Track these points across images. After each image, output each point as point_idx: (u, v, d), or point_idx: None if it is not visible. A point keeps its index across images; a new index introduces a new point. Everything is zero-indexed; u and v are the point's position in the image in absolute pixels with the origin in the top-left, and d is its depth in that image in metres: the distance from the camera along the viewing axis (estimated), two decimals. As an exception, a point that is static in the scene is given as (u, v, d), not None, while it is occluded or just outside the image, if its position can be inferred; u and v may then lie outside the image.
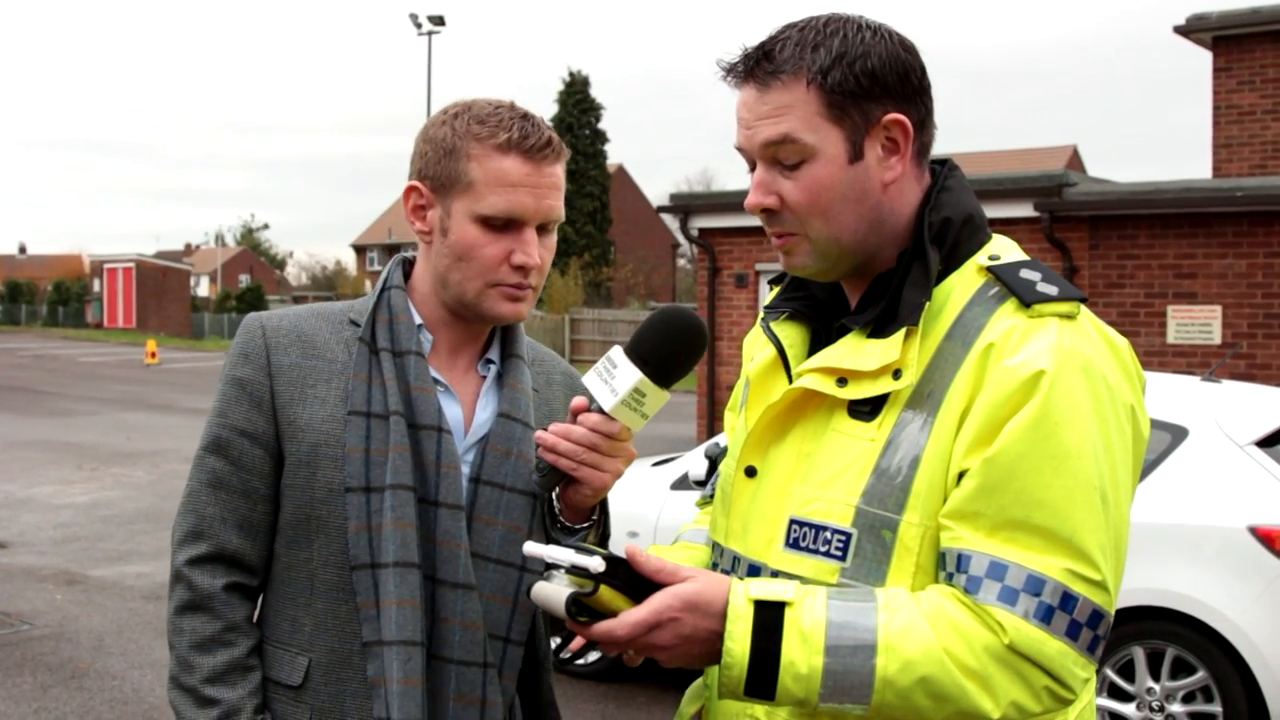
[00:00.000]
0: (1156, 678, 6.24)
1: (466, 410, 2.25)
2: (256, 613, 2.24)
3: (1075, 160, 61.85)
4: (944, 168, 2.01)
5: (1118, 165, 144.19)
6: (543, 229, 2.19)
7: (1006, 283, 1.87)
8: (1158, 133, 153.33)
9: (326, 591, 2.15)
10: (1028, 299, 1.84)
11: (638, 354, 1.99)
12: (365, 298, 2.30)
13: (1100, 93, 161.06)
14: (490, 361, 2.30)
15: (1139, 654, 6.24)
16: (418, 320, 2.24)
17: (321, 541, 2.15)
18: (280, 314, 2.28)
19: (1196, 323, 14.01)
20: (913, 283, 1.88)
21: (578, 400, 2.05)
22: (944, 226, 1.92)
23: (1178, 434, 6.36)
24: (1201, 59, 19.11)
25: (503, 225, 2.15)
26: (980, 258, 1.93)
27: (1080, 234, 14.61)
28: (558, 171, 2.19)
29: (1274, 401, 6.83)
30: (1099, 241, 14.54)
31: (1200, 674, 6.10)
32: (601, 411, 2.01)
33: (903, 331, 1.85)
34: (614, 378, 2.00)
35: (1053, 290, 1.85)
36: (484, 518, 2.18)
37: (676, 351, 2.00)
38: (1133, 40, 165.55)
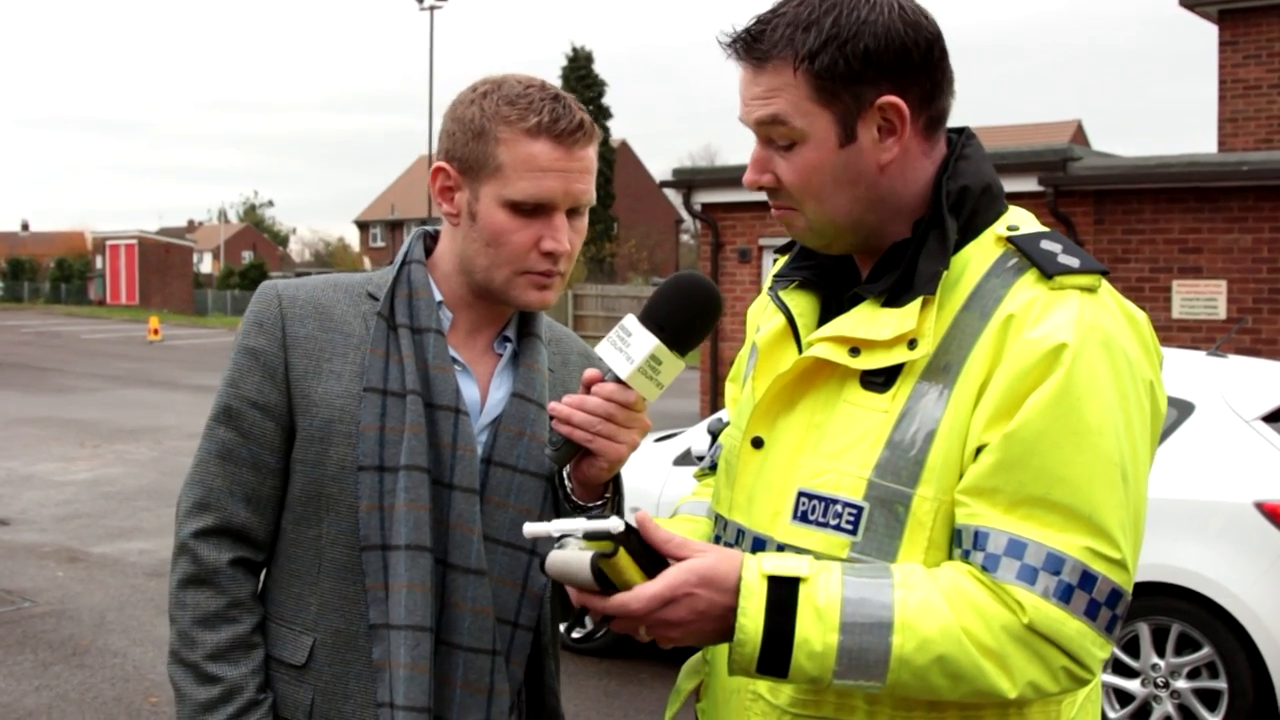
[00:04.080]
0: (1161, 654, 6.22)
1: (481, 390, 2.20)
2: (260, 589, 2.20)
3: (1080, 135, 61.63)
4: (961, 136, 1.96)
5: (1122, 140, 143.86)
6: (573, 212, 2.13)
7: (1028, 254, 1.83)
8: (1163, 107, 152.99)
9: (334, 571, 2.11)
10: (1049, 270, 1.80)
11: (653, 320, 1.95)
12: (384, 270, 2.24)
13: (1104, 67, 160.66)
14: (507, 339, 2.25)
15: (1144, 630, 6.21)
16: (438, 297, 2.19)
17: (331, 519, 2.11)
18: (298, 283, 2.22)
19: (1202, 297, 13.96)
20: (929, 252, 1.84)
21: (590, 371, 2.01)
22: (962, 195, 1.88)
23: (1184, 409, 6.32)
24: (1208, 33, 18.99)
25: (532, 210, 2.09)
26: (998, 228, 1.89)
27: (1085, 208, 14.54)
28: (589, 154, 2.13)
29: (1281, 376, 6.79)
30: (1104, 216, 14.47)
31: (1205, 650, 6.08)
32: (618, 380, 1.97)
33: (919, 301, 1.81)
34: (629, 345, 1.95)
35: (1074, 262, 1.81)
36: (495, 499, 2.14)
37: (692, 317, 1.97)
38: (1136, 14, 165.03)
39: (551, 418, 2.01)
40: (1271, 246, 13.62)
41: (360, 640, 2.10)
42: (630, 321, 1.96)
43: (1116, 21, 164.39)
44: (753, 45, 1.87)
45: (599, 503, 2.11)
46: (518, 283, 2.13)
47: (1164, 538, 6.05)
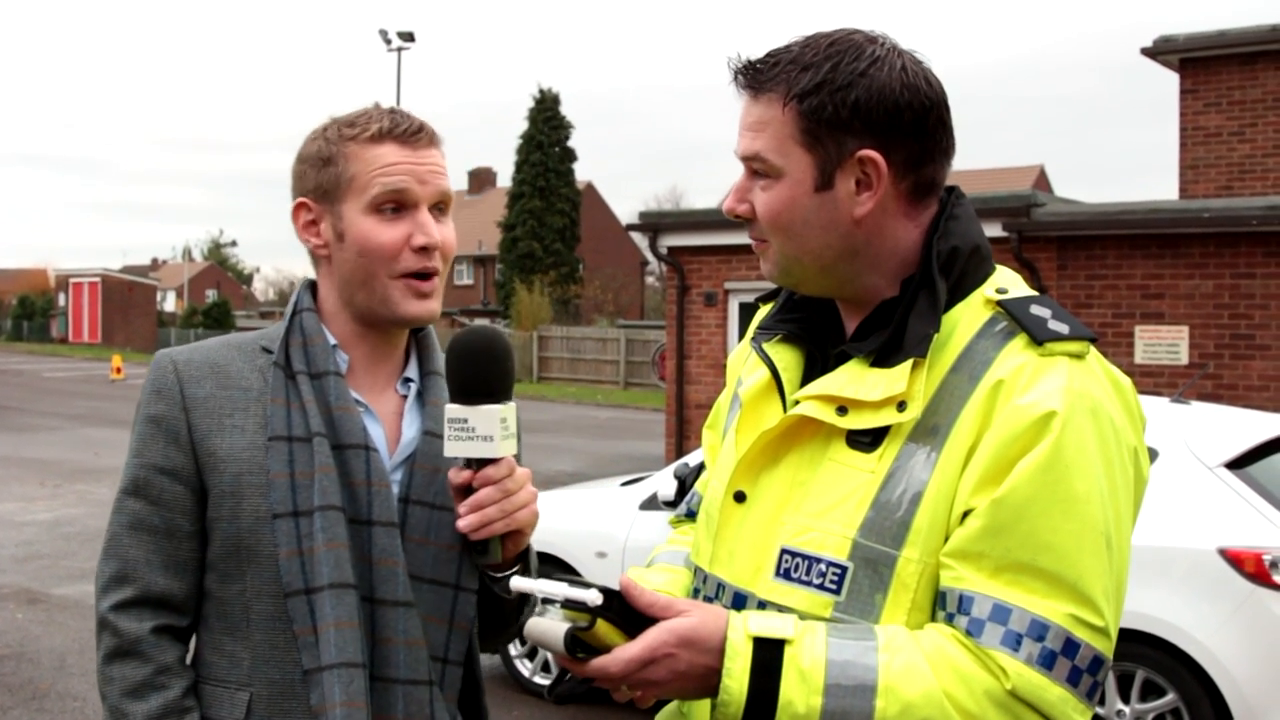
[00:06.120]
0: (1126, 700, 6.24)
1: (390, 429, 2.22)
2: (190, 654, 2.18)
3: (1043, 180, 62.17)
4: (951, 195, 1.97)
5: (1085, 185, 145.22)
6: (437, 210, 2.18)
7: (1018, 318, 1.84)
8: (1125, 154, 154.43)
9: (263, 622, 2.10)
10: (1040, 337, 1.81)
11: (475, 393, 2.03)
12: (276, 325, 2.27)
13: (1067, 113, 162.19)
14: (409, 380, 2.28)
15: (1109, 676, 6.22)
16: (331, 341, 2.21)
17: (254, 572, 2.11)
18: (191, 348, 2.24)
19: (1164, 343, 14.06)
20: (919, 313, 1.85)
21: (457, 474, 2.06)
22: (952, 256, 1.89)
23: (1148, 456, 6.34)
24: (1169, 81, 19.20)
25: (395, 209, 2.14)
26: (987, 290, 1.90)
27: (1048, 254, 14.65)
28: (435, 155, 2.19)
29: (1243, 423, 6.85)
30: (1067, 262, 14.59)
31: (1170, 696, 6.10)
32: (490, 461, 2.03)
33: (909, 362, 1.81)
34: (475, 428, 2.02)
35: (1064, 329, 1.83)
36: (415, 538, 2.15)
37: (490, 367, 2.06)
38: (1098, 61, 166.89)
39: (465, 535, 2.07)
40: (1233, 292, 13.75)
41: (297, 689, 2.09)
42: (456, 410, 2.03)
43: (1079, 68, 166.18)
44: (753, 74, 1.91)
45: (513, 568, 2.16)
46: (397, 288, 2.16)
47: (1129, 584, 6.05)
